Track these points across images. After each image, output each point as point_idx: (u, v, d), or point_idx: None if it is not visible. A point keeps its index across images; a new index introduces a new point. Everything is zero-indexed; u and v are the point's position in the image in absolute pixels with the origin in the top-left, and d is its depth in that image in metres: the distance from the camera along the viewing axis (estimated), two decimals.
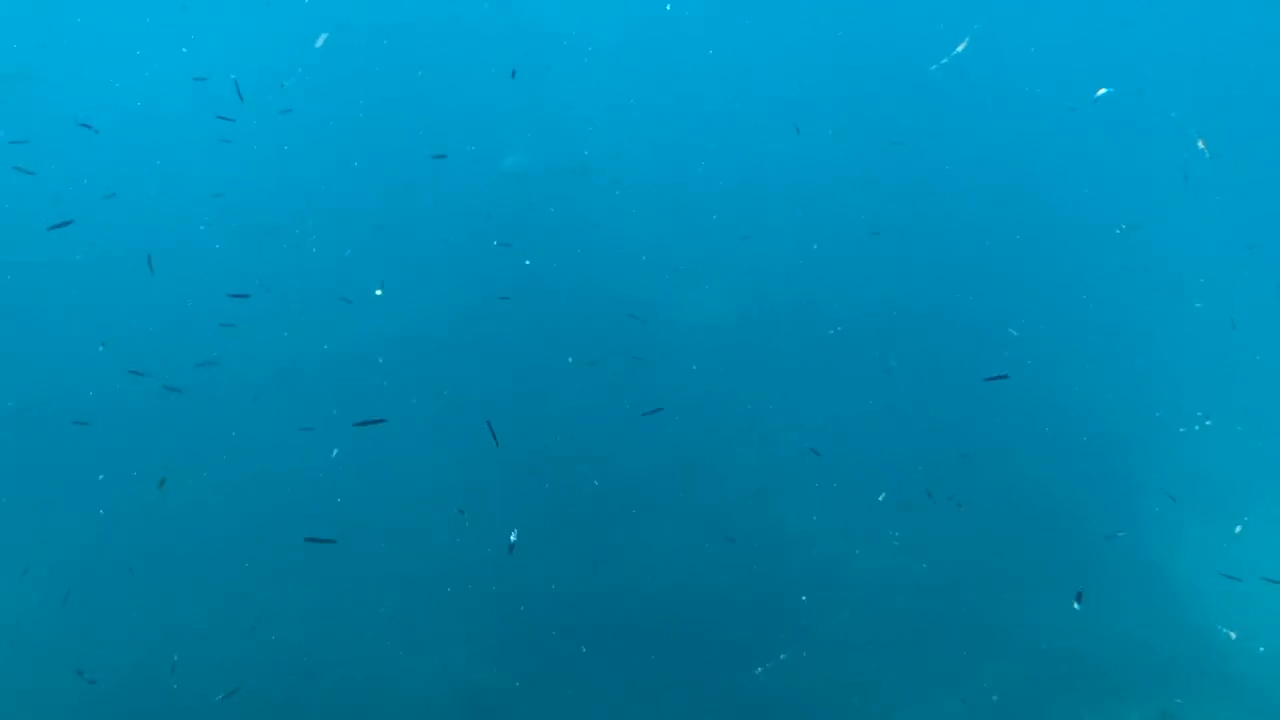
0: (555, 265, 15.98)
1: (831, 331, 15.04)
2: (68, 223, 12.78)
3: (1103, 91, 17.25)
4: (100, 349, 14.30)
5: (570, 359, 14.77)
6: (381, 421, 10.29)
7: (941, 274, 16.49)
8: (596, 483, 13.11)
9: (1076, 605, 10.38)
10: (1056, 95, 19.07)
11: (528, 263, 15.57)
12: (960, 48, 18.24)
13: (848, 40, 19.60)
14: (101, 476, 12.91)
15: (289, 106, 15.54)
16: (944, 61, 18.02)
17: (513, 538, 11.88)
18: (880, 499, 12.61)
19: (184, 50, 18.19)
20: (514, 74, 16.45)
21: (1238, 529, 12.51)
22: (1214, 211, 17.53)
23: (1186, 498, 13.32)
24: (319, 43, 14.62)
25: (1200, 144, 15.78)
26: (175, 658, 10.93)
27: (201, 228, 16.12)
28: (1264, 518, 13.16)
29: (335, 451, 13.11)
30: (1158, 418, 14.56)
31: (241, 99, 15.44)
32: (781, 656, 10.73)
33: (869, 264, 16.55)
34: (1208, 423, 13.82)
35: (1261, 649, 11.16)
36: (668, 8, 18.98)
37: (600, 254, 16.28)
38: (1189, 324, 16.25)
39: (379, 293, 14.58)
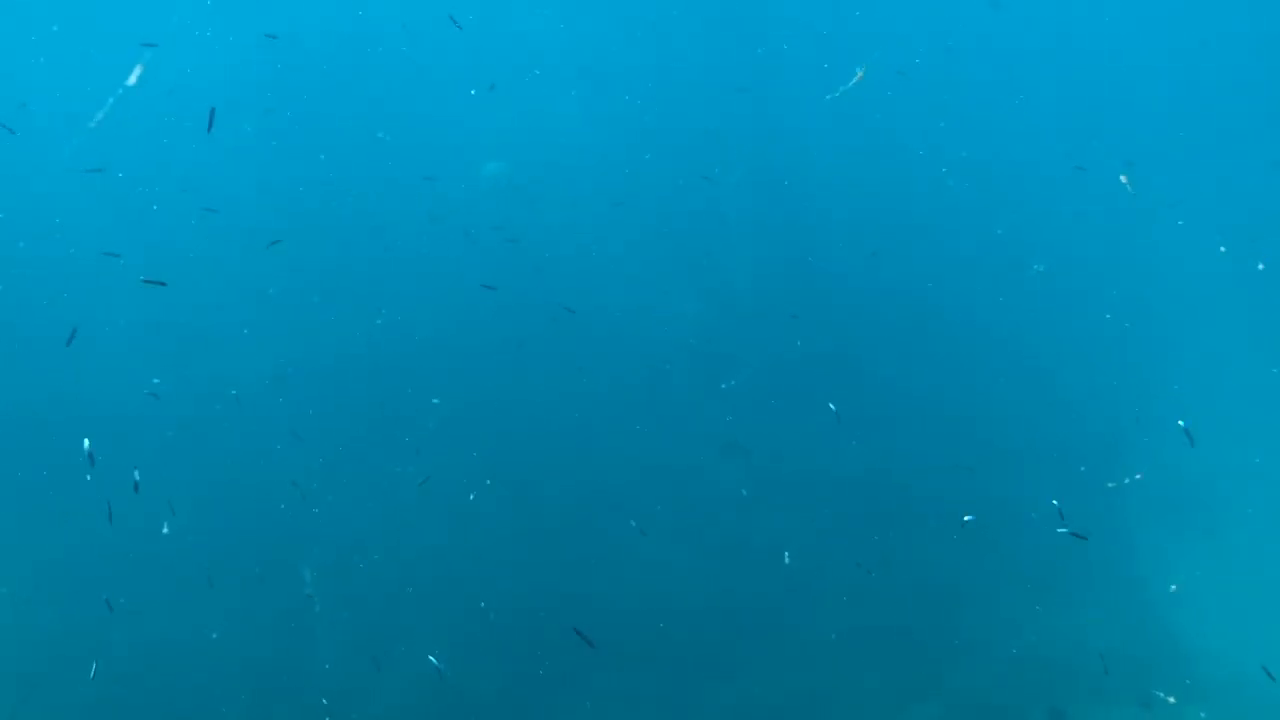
0: (539, 275, 15.96)
1: (807, 343, 15.08)
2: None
3: None
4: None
5: (555, 370, 14.79)
6: None
7: (924, 284, 16.48)
8: (578, 492, 13.14)
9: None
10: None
11: (513, 272, 15.56)
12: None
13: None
14: (87, 481, 12.86)
15: (272, 106, 15.46)
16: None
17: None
18: (855, 507, 12.74)
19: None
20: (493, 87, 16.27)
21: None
22: (1197, 213, 17.53)
23: (1162, 504, 13.49)
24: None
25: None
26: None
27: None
28: (1243, 523, 13.29)
29: (322, 459, 13.18)
30: (1133, 425, 14.63)
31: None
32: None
33: (852, 273, 16.52)
34: (1186, 429, 13.83)
35: (1234, 656, 11.24)
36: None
37: (584, 264, 16.27)
38: (1174, 332, 16.27)
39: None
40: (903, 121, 18.17)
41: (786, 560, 12.16)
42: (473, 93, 17.40)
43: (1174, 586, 11.83)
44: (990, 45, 19.81)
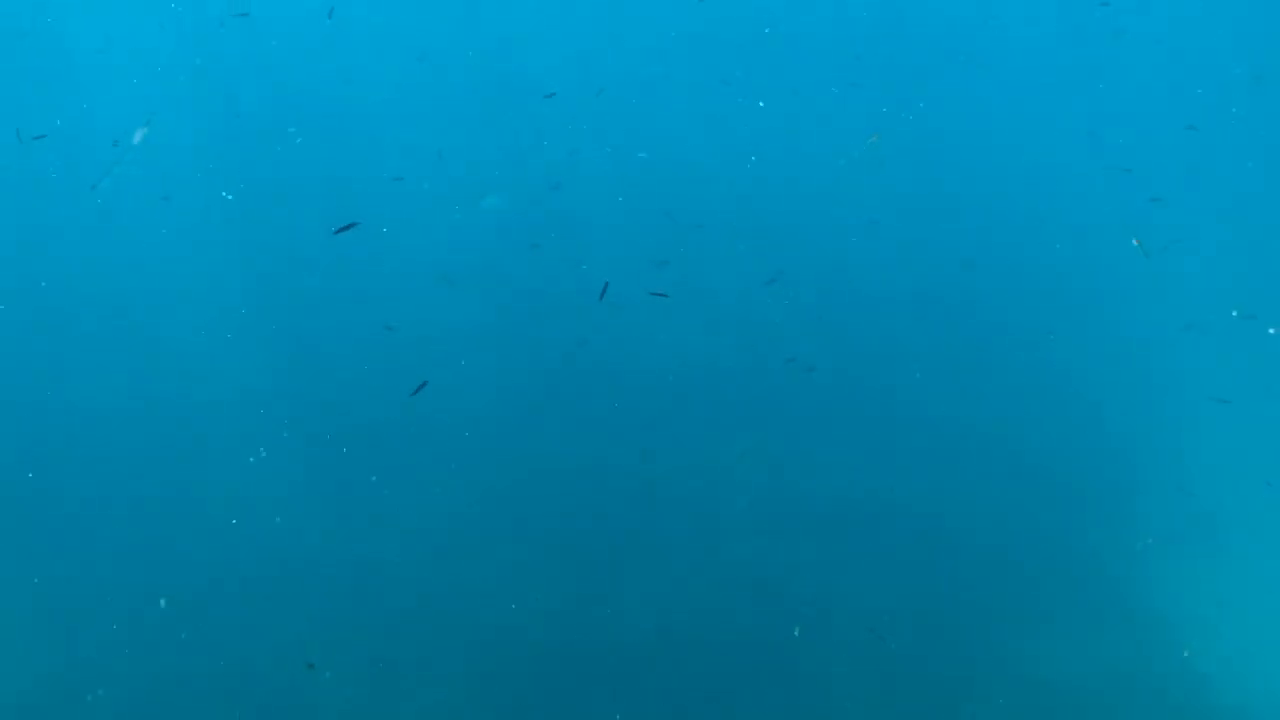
0: (547, 299, 15.95)
1: (813, 369, 15.15)
2: None
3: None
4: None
5: (561, 396, 14.86)
6: None
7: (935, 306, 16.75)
8: (585, 522, 13.08)
9: None
10: None
11: (523, 293, 15.59)
12: None
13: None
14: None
15: None
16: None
17: None
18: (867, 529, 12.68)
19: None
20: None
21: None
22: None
23: (1178, 526, 13.45)
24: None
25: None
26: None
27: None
28: (1255, 549, 13.22)
29: (317, 479, 12.95)
30: (1149, 451, 14.67)
31: None
32: None
33: (866, 300, 16.81)
34: (1198, 458, 13.95)
35: (1254, 681, 11.17)
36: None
37: (593, 287, 16.27)
38: (1184, 355, 16.42)
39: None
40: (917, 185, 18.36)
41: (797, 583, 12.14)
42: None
43: (1193, 611, 11.77)
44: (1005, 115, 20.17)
